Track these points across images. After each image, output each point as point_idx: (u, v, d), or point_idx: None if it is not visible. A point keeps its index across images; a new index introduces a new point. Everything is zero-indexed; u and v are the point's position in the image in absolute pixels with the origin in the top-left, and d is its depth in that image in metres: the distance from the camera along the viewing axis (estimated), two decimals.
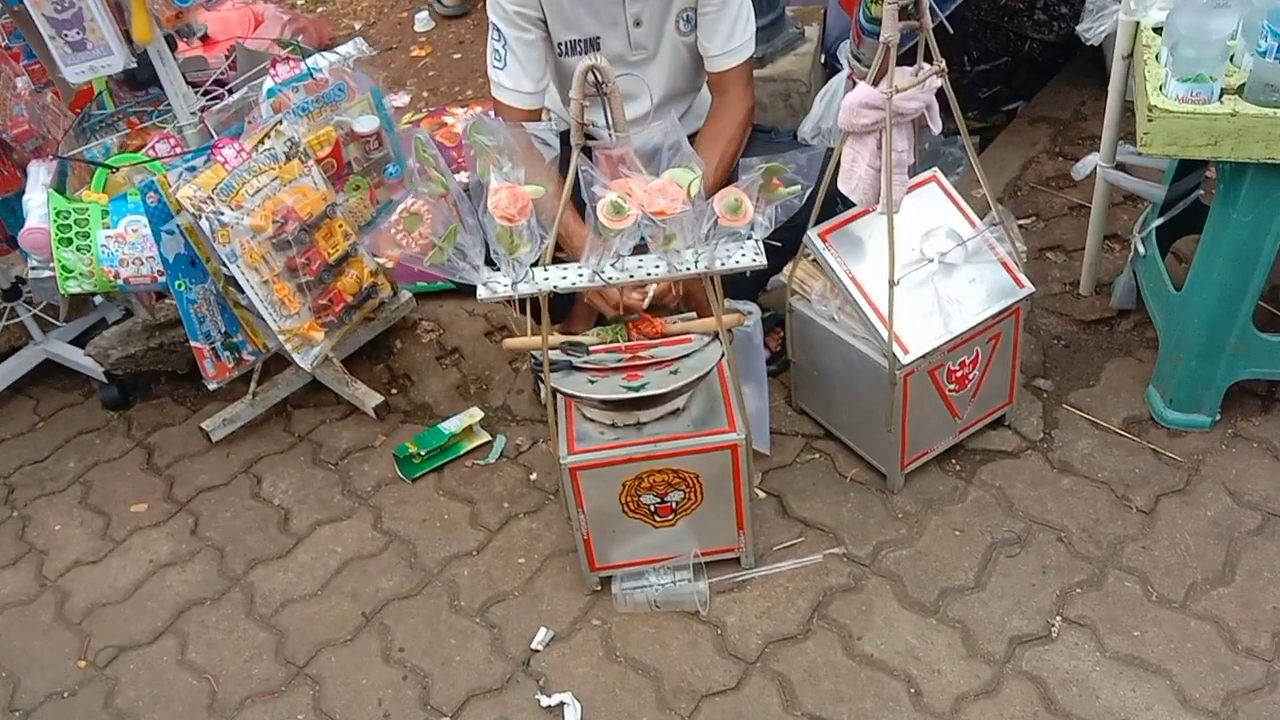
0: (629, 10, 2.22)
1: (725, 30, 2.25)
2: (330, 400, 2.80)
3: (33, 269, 2.30)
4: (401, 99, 4.17)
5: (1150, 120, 1.97)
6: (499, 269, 1.81)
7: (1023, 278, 2.21)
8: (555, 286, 1.82)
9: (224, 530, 2.51)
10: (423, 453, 2.53)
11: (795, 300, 2.32)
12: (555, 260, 1.85)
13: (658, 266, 1.82)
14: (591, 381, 1.97)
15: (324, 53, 2.39)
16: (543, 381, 2.00)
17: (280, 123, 2.24)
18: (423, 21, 4.58)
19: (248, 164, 2.17)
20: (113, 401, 2.89)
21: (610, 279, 1.82)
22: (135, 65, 2.08)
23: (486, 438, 2.61)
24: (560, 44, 2.26)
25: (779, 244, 1.81)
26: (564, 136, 1.88)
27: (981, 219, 2.25)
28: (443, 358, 2.90)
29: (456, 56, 4.34)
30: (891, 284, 2.05)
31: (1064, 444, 2.38)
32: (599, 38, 2.25)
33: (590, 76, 1.73)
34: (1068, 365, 2.56)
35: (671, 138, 1.68)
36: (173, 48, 2.32)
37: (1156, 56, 2.07)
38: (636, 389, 1.92)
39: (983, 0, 3.98)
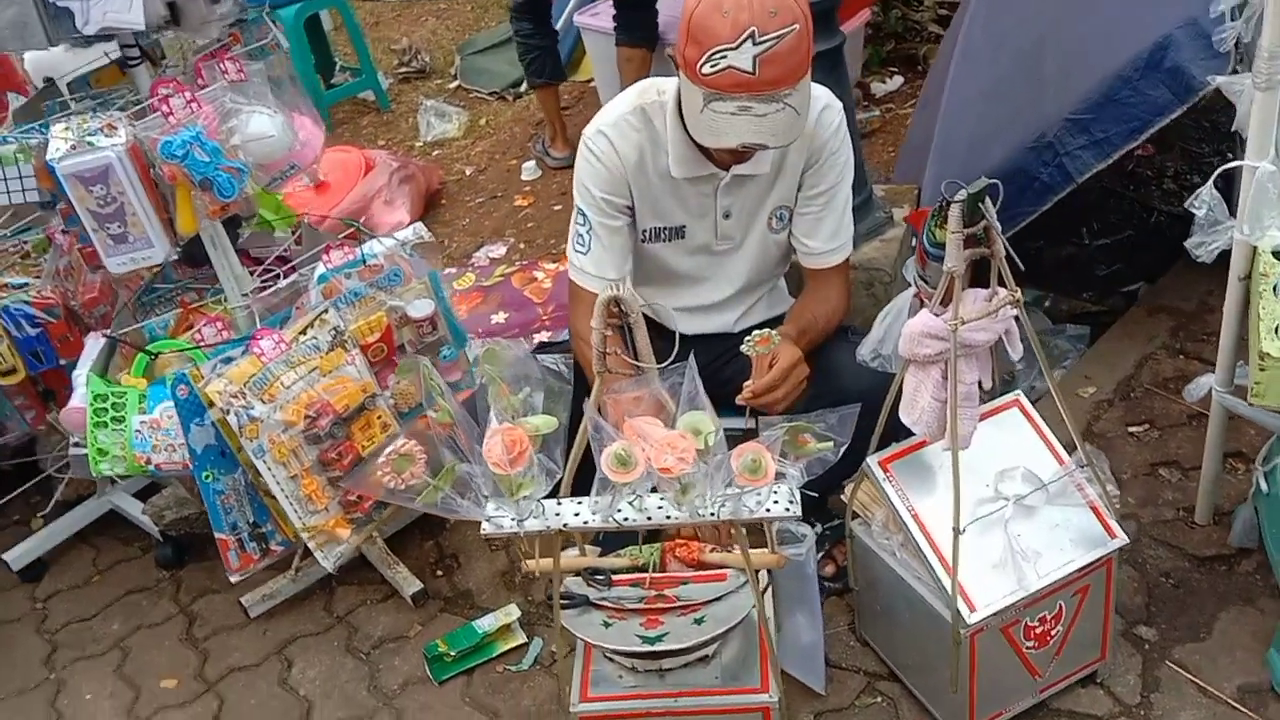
0: (720, 202, 2.13)
1: (829, 229, 2.18)
2: (375, 578, 2.69)
3: (74, 444, 2.29)
4: (499, 249, 4.16)
5: (1263, 369, 1.71)
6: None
7: (1115, 526, 1.94)
8: (566, 524, 1.67)
9: None
10: (453, 653, 2.38)
11: (856, 525, 2.10)
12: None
13: (680, 507, 1.65)
14: (607, 624, 1.79)
15: (382, 238, 2.34)
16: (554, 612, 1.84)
17: (325, 312, 2.19)
18: (529, 170, 4.60)
19: (286, 355, 2.11)
20: (167, 561, 2.86)
21: (626, 519, 1.66)
22: (177, 256, 2.06)
23: (523, 639, 2.44)
24: (645, 230, 2.18)
25: (815, 495, 1.62)
26: (578, 370, 1.75)
27: (1070, 450, 2.00)
28: (493, 538, 2.77)
29: (557, 208, 4.32)
30: (956, 532, 1.82)
31: (1165, 712, 2.05)
32: (684, 226, 2.17)
33: (612, 307, 1.61)
34: (1176, 610, 2.24)
35: (690, 383, 1.53)
36: (235, 227, 2.31)
37: (1275, 289, 1.82)
38: (653, 640, 1.73)
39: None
